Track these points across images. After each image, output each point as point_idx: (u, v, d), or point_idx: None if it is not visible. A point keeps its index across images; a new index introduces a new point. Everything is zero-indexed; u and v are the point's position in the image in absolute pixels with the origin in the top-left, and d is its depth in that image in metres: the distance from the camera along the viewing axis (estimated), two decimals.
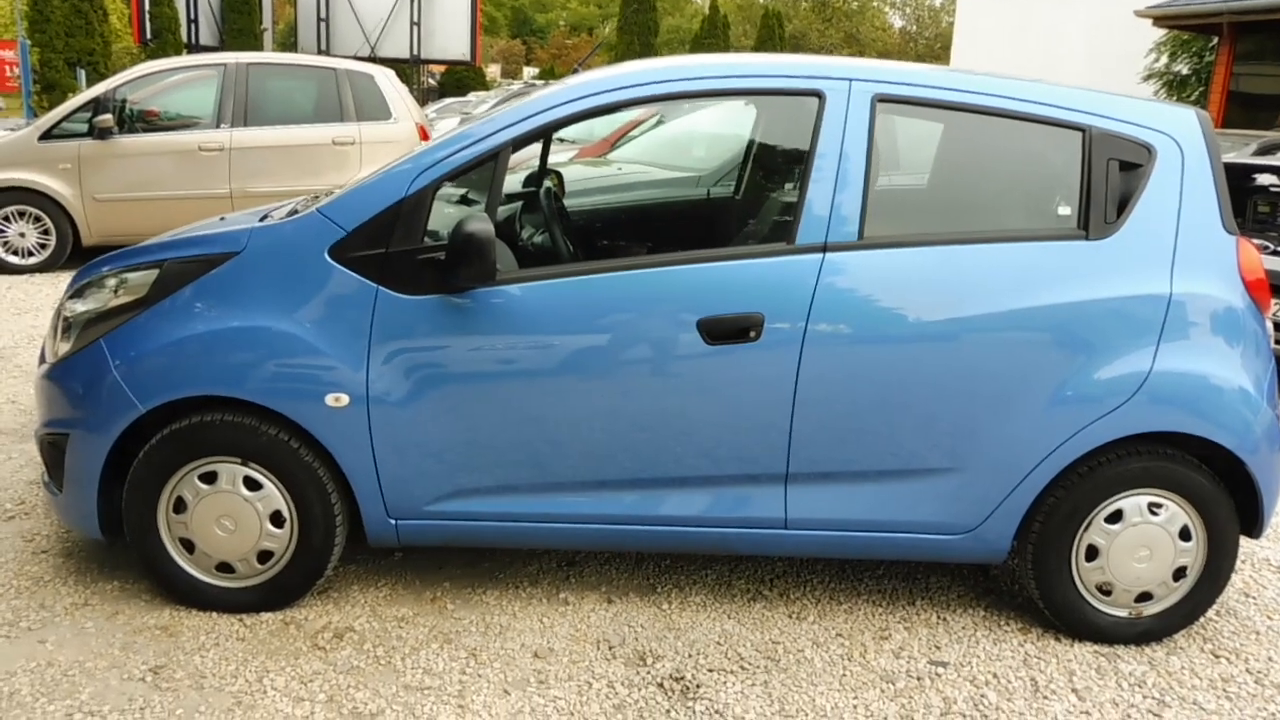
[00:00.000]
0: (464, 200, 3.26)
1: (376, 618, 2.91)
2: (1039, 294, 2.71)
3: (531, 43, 54.90)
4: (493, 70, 42.89)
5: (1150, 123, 2.82)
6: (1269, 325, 2.95)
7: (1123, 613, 2.93)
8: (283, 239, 2.78)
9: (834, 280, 2.69)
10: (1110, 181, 2.76)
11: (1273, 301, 5.51)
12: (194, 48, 22.01)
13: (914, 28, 51.87)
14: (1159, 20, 12.83)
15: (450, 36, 25.15)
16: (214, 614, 2.89)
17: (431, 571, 3.19)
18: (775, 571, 3.28)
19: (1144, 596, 2.91)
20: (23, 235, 7.56)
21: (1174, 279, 2.75)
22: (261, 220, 2.99)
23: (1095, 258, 2.74)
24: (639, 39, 29.58)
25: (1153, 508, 2.85)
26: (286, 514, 2.83)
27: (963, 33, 23.00)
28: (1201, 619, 3.10)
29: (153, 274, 2.83)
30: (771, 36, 30.85)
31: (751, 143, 4.05)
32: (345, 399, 2.72)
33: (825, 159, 2.73)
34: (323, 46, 25.23)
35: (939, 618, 3.05)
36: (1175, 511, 2.85)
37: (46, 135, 7.55)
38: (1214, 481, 2.85)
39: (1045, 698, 2.67)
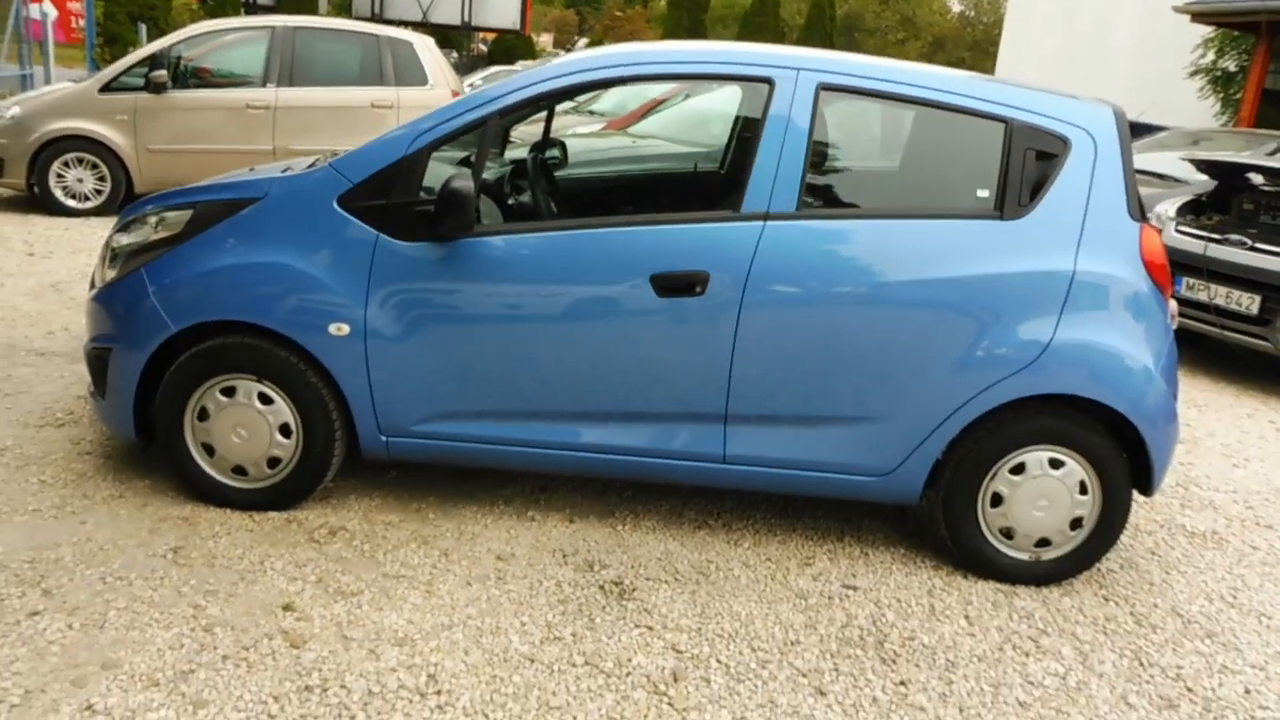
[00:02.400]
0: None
1: (367, 521, 3.36)
2: (954, 266, 3.06)
3: (586, 13, 55.08)
4: (544, 39, 43.19)
5: (1068, 117, 3.14)
6: (1172, 304, 3.26)
7: (1024, 556, 3.28)
8: (299, 187, 3.20)
9: (773, 245, 3.06)
10: (1026, 169, 3.09)
11: (1206, 283, 5.77)
12: (251, 7, 22.60)
13: (972, 13, 51.15)
14: (1197, 16, 12.85)
15: (501, 5, 25.50)
16: (229, 510, 3.35)
17: (420, 488, 3.62)
18: (724, 505, 3.68)
19: (1043, 542, 3.27)
20: (81, 180, 8.10)
21: (1079, 258, 3.08)
22: (284, 172, 3.42)
23: (1008, 236, 3.08)
24: (689, 14, 29.74)
25: (1053, 463, 3.20)
26: (293, 426, 3.28)
27: (1013, 21, 22.93)
28: (1105, 570, 3.45)
29: (188, 213, 3.27)
30: (821, 16, 30.82)
31: (735, 121, 4.41)
32: (346, 329, 3.15)
33: (771, 138, 3.09)
34: (376, 10, 25.69)
35: (862, 552, 3.43)
36: (1074, 467, 3.20)
37: (106, 88, 8.07)
38: (1110, 442, 3.19)
39: (938, 620, 3.05)
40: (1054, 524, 3.24)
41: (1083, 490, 3.22)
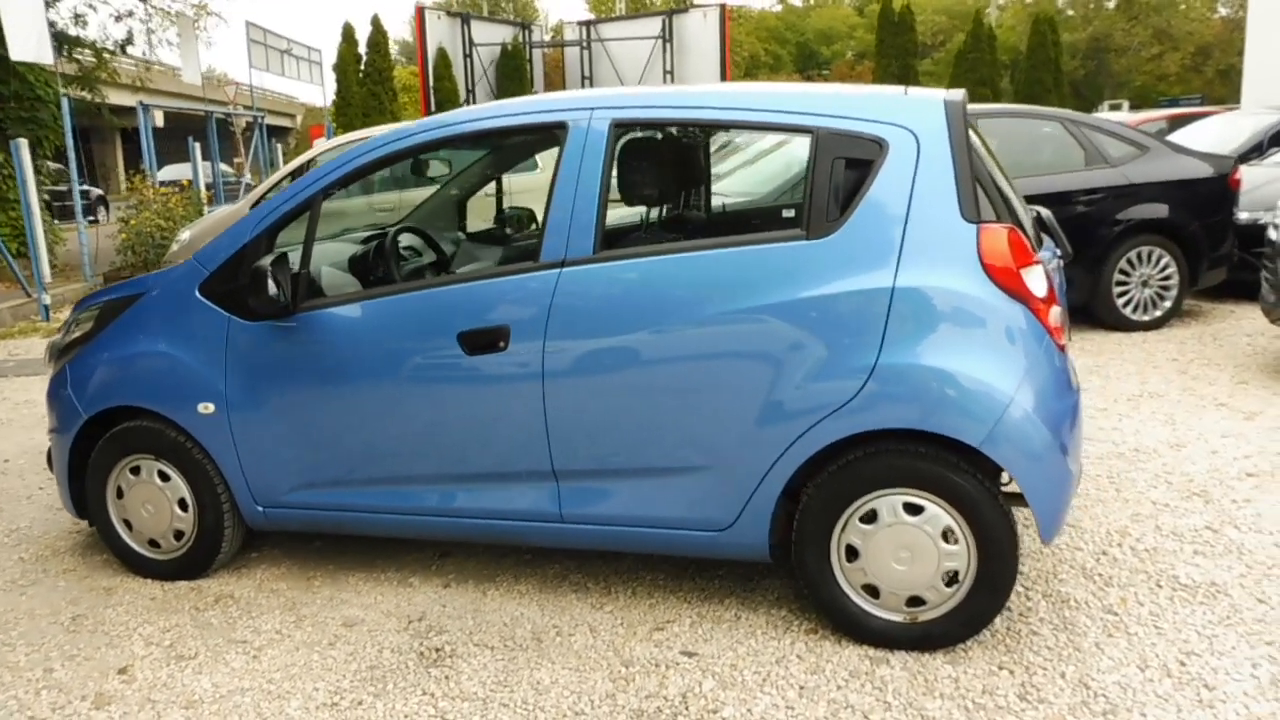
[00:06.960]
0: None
1: (258, 590, 3.50)
2: (759, 295, 2.79)
3: (814, 75, 55.18)
4: None
5: (884, 117, 2.81)
6: (1054, 313, 2.78)
7: (896, 616, 2.87)
8: (171, 280, 3.48)
9: (569, 292, 2.94)
10: (834, 180, 2.78)
11: None
12: None
13: (1241, 14, 46.16)
14: None
15: (701, 80, 26.18)
16: (149, 580, 3.62)
17: (331, 557, 3.74)
18: (619, 568, 3.49)
19: (915, 601, 2.84)
20: None
21: (899, 271, 2.71)
22: None
23: (815, 256, 2.77)
24: (897, 62, 29.01)
25: (910, 508, 2.79)
26: (189, 501, 3.51)
27: (1255, 26, 20.56)
28: (1027, 631, 2.95)
29: (97, 312, 3.64)
30: (1044, 43, 28.97)
31: None
32: (211, 407, 3.35)
33: (565, 182, 3.01)
34: None
35: (735, 615, 3.13)
36: (935, 513, 2.78)
37: (256, 204, 9.10)
38: (976, 482, 2.74)
39: (765, 691, 2.72)
40: (922, 579, 2.81)
41: (950, 539, 2.78)
